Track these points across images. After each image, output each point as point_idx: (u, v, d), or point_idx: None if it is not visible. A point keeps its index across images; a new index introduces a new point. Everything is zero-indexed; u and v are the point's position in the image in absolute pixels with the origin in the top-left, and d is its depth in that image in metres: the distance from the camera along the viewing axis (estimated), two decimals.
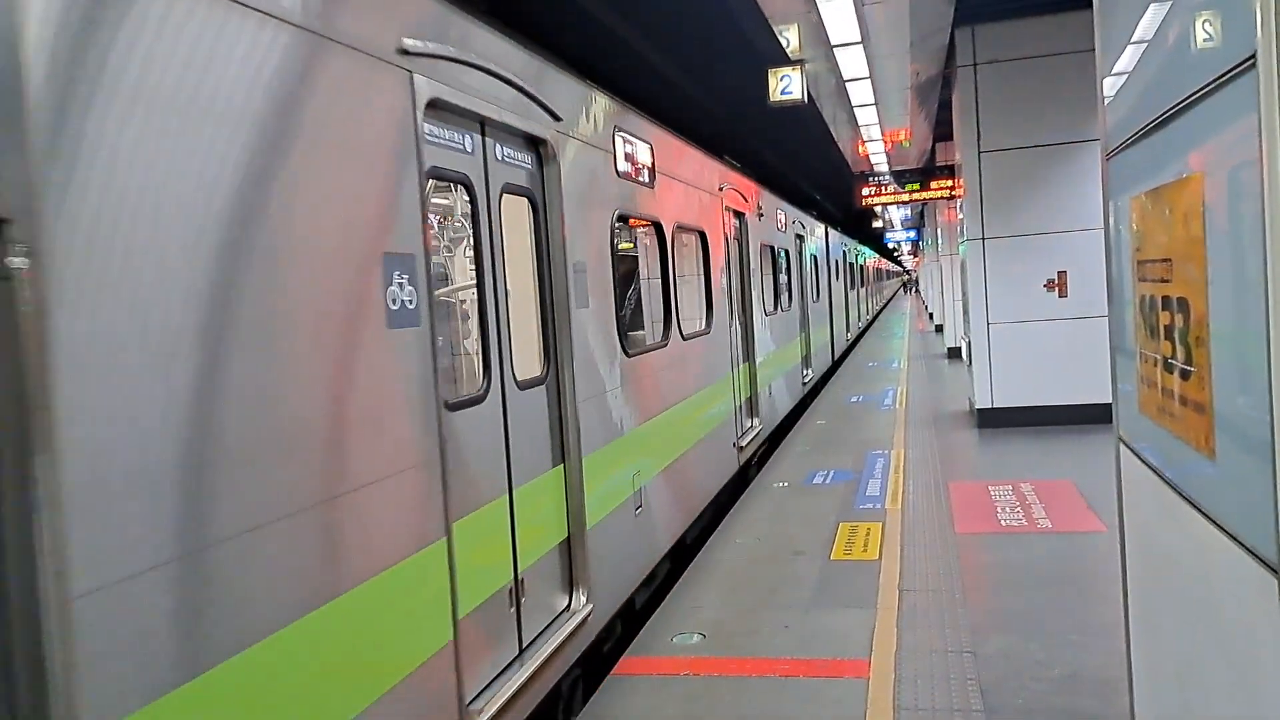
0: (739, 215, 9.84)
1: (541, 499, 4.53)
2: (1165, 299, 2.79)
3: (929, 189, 15.98)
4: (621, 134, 6.02)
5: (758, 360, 10.32)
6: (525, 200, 4.64)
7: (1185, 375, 2.62)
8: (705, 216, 8.28)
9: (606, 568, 5.13)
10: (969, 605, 5.49)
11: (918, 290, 58.38)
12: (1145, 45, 2.96)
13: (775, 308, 11.91)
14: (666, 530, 6.51)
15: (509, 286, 4.37)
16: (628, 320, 6.42)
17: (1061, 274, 11.01)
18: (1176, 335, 2.69)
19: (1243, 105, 2.02)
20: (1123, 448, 3.59)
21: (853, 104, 12.31)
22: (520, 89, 4.42)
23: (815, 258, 16.74)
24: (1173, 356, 2.74)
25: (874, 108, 12.66)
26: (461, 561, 3.60)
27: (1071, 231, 10.78)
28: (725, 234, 9.02)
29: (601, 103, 5.69)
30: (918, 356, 21.75)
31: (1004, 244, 11.23)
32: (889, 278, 75.59)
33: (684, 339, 7.35)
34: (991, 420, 11.30)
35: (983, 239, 11.26)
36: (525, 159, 4.65)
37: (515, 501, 4.21)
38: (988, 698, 4.27)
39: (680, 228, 7.46)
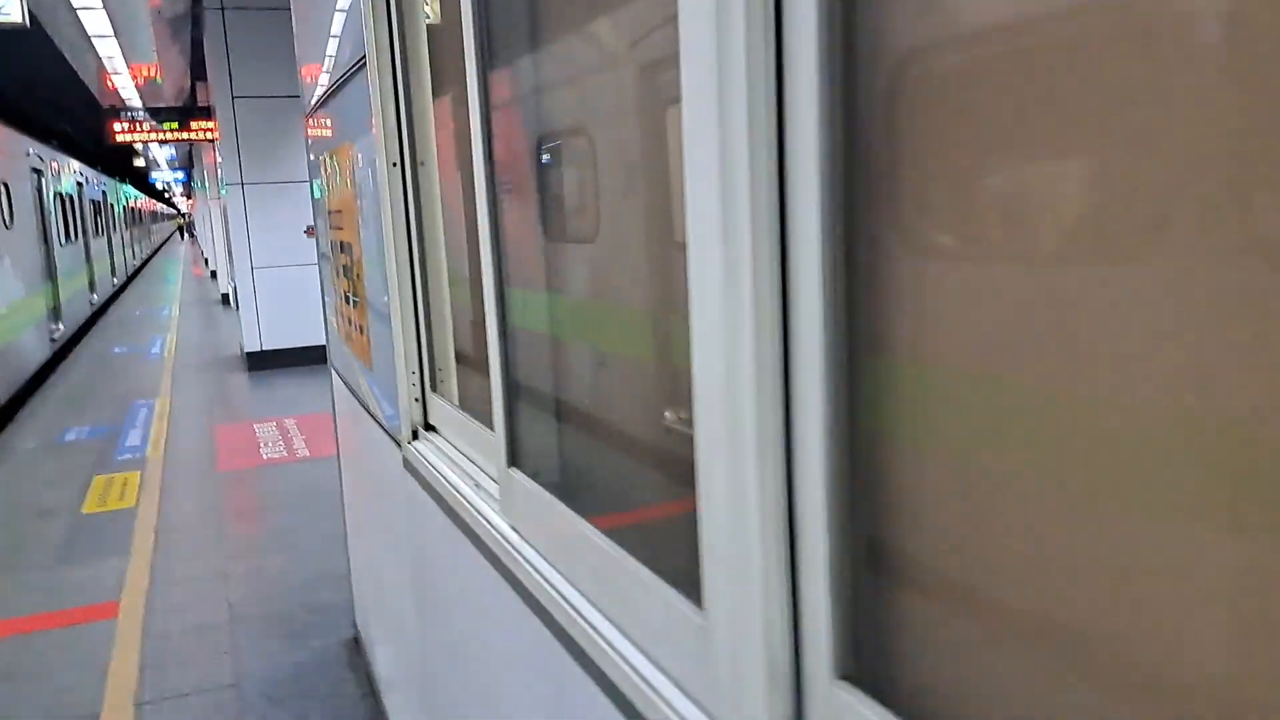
0: None
1: None
2: (343, 243, 3.37)
3: (189, 129, 15.43)
4: None
5: None
6: None
7: (355, 305, 3.22)
8: None
9: None
10: (225, 536, 5.80)
11: (193, 235, 55.65)
12: (324, 17, 3.47)
13: None
14: None
15: None
16: None
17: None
18: (349, 273, 3.28)
19: (364, 88, 2.59)
20: (334, 373, 4.19)
21: (90, 34, 11.36)
22: None
23: None
24: (350, 291, 3.33)
25: (114, 39, 11.84)
26: None
27: None
28: None
29: None
30: (192, 302, 21.10)
31: (263, 190, 11.44)
32: (161, 220, 70.71)
33: None
34: (260, 363, 11.59)
35: (242, 184, 11.36)
36: None
37: None
38: (234, 610, 4.64)
39: None
